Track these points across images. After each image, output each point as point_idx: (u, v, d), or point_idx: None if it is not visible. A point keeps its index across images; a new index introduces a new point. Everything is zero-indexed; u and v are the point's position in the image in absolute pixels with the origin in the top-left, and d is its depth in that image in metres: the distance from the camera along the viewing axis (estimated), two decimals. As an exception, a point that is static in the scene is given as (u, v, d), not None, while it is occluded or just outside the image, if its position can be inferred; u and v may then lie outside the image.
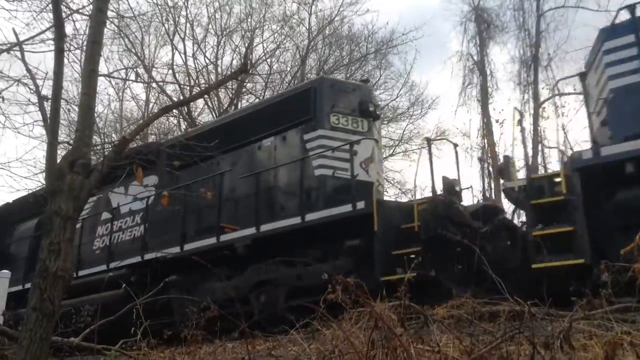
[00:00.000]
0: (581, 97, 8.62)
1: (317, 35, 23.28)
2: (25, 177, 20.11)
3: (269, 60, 22.95)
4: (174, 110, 20.60)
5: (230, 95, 22.57)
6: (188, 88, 20.42)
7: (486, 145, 19.74)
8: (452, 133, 21.48)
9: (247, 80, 21.35)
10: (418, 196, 9.74)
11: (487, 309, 4.77)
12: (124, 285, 8.39)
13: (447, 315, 4.65)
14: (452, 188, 7.71)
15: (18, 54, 5.24)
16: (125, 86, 23.81)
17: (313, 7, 22.98)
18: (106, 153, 4.76)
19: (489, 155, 19.12)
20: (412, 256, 6.66)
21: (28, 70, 5.07)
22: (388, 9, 40.70)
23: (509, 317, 4.08)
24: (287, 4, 22.82)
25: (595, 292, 4.07)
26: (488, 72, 21.50)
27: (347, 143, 7.89)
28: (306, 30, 23.15)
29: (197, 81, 21.84)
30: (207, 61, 22.68)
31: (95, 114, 7.45)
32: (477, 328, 4.24)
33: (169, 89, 22.42)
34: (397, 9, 41.18)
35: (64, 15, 5.07)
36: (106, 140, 19.64)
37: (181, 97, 19.99)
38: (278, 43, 23.03)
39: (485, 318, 4.65)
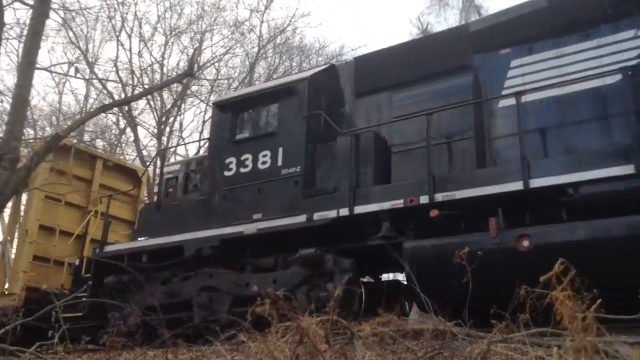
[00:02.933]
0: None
1: (267, 43, 24.42)
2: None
3: (216, 64, 23.52)
4: (114, 108, 20.09)
5: (174, 96, 22.47)
6: (130, 87, 20.58)
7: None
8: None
9: (192, 84, 21.33)
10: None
11: (413, 327, 5.11)
12: None
13: (373, 332, 4.85)
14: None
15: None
16: (66, 79, 23.91)
17: (265, 15, 24.21)
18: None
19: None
20: None
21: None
22: (339, 25, 40.42)
23: (433, 336, 4.61)
24: (239, 10, 24.30)
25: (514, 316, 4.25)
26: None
27: None
28: (257, 37, 24.11)
29: (140, 80, 21.95)
30: (153, 60, 22.94)
31: (31, 107, 6.98)
32: (400, 346, 4.62)
33: (111, 85, 22.37)
34: (347, 25, 44.36)
35: (4, 2, 4.77)
36: (41, 134, 19.26)
37: (123, 95, 20.29)
38: (228, 48, 23.58)
39: (409, 336, 4.97)
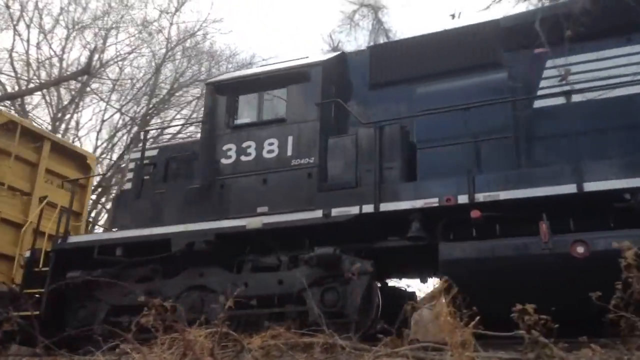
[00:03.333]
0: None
1: (176, 45, 23.73)
2: None
3: (120, 63, 22.73)
4: (6, 101, 19.25)
5: (72, 93, 21.70)
6: (25, 80, 19.64)
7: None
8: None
9: (92, 81, 20.78)
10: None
11: (305, 340, 5.10)
12: None
13: (263, 345, 4.90)
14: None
15: None
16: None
17: (175, 17, 23.55)
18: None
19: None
20: None
21: None
22: (250, 34, 40.94)
23: (322, 349, 4.80)
24: (149, 10, 24.17)
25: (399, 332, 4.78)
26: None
27: None
28: (165, 39, 23.42)
29: (37, 73, 21.09)
30: (52, 53, 22.01)
31: None
32: (290, 358, 4.76)
33: (4, 76, 21.38)
34: (259, 35, 43.18)
35: None
36: None
37: (16, 88, 19.47)
38: (133, 47, 22.99)
39: (300, 349, 5.05)
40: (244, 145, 7.69)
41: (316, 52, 23.84)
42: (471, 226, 6.38)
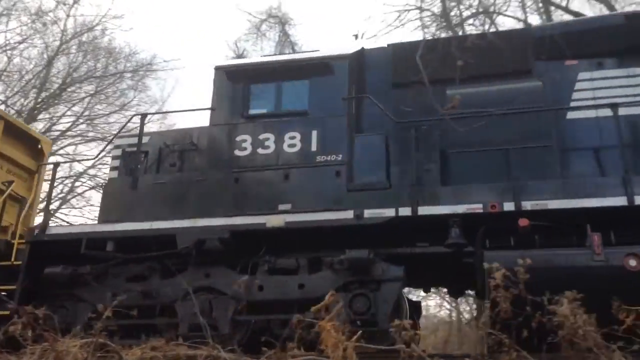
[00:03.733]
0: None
1: (72, 39, 22.87)
2: None
3: (9, 52, 21.79)
4: None
5: None
6: None
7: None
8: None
9: None
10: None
11: (188, 352, 5.03)
12: None
13: (142, 356, 4.84)
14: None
15: None
16: None
17: (73, 9, 22.56)
18: None
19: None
20: None
21: None
22: (153, 35, 41.26)
23: None
24: None
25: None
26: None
27: None
28: (60, 31, 22.42)
29: None
30: None
31: None
32: None
33: None
34: (163, 37, 42.71)
35: None
36: None
37: None
38: (25, 37, 21.89)
39: None
40: (261, 137, 7.17)
41: (221, 58, 23.87)
42: (509, 234, 6.24)
